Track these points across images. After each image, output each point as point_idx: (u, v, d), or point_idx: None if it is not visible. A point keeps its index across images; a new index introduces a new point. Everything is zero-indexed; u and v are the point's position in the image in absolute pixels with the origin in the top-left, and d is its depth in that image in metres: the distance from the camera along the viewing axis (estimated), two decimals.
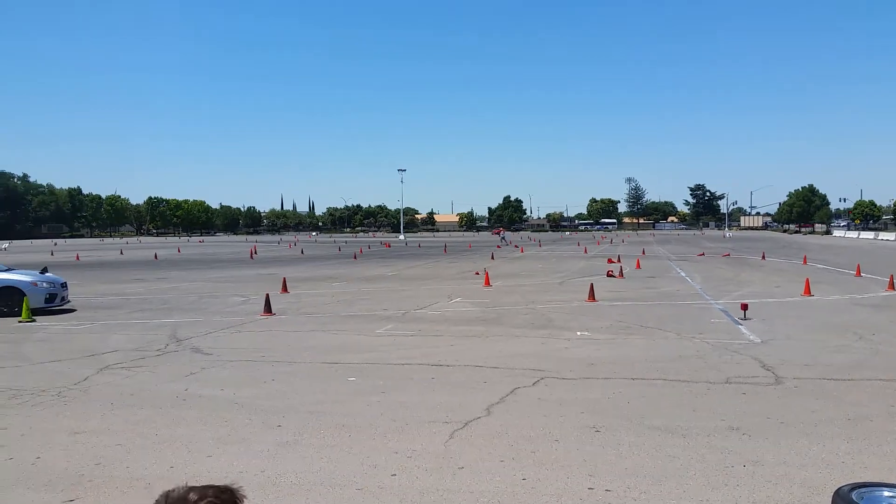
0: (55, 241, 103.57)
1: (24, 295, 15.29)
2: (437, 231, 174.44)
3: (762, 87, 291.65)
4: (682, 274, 26.61)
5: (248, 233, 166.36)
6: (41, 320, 14.74)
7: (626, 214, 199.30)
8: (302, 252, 52.87)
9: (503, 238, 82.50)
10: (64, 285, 16.81)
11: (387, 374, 9.12)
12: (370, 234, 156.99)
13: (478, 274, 26.79)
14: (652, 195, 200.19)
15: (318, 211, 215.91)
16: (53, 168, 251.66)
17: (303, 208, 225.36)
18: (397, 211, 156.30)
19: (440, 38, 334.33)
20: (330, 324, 13.96)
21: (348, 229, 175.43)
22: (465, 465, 5.52)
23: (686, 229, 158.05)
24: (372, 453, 5.87)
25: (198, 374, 9.21)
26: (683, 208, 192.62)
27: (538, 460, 5.64)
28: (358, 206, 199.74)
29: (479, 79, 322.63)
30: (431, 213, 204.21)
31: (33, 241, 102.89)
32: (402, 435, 6.37)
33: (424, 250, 55.17)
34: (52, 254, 51.17)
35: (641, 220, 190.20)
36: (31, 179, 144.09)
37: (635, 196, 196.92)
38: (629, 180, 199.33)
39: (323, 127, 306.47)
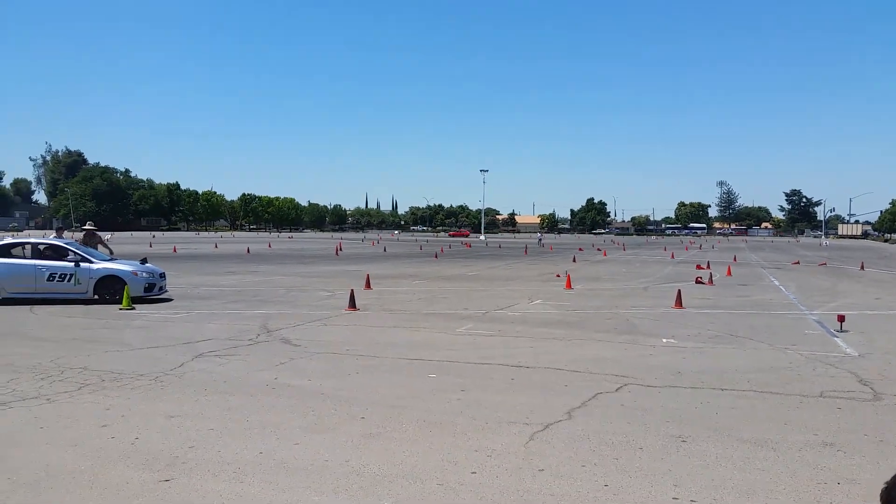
0: (154, 233, 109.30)
1: (126, 284, 16.24)
2: (518, 232, 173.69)
3: (866, 89, 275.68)
4: (776, 283, 25.49)
5: (334, 230, 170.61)
6: (140, 308, 15.62)
7: (717, 219, 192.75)
8: (384, 250, 53.78)
9: (540, 241, 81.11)
10: (162, 275, 17.73)
11: (467, 372, 9.19)
12: (450, 233, 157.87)
13: (559, 276, 26.51)
14: (745, 200, 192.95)
15: (401, 210, 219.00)
16: (153, 164, 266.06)
17: (386, 207, 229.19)
18: (478, 211, 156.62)
19: (526, 34, 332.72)
20: (411, 321, 14.16)
21: (430, 228, 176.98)
22: (545, 468, 5.50)
23: (780, 236, 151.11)
24: (452, 450, 5.94)
25: (286, 365, 9.56)
26: (778, 214, 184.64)
27: (621, 467, 5.56)
28: (439, 205, 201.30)
29: (565, 78, 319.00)
30: (512, 214, 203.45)
31: (133, 233, 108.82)
32: (482, 434, 6.41)
33: (505, 251, 55.06)
34: (150, 245, 54.04)
35: (733, 226, 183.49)
36: (133, 175, 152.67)
37: (727, 200, 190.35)
38: (721, 184, 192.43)
39: (408, 126, 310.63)
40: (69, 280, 16.32)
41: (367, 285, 20.77)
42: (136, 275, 16.74)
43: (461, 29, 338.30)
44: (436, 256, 43.88)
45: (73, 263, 16.43)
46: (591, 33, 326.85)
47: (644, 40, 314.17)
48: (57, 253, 16.87)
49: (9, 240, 17.67)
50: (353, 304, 15.78)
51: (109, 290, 16.34)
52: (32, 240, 17.74)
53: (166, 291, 17.92)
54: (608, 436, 6.37)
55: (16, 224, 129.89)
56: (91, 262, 16.67)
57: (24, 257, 16.86)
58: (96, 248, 19.63)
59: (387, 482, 5.19)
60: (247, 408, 7.28)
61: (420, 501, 4.84)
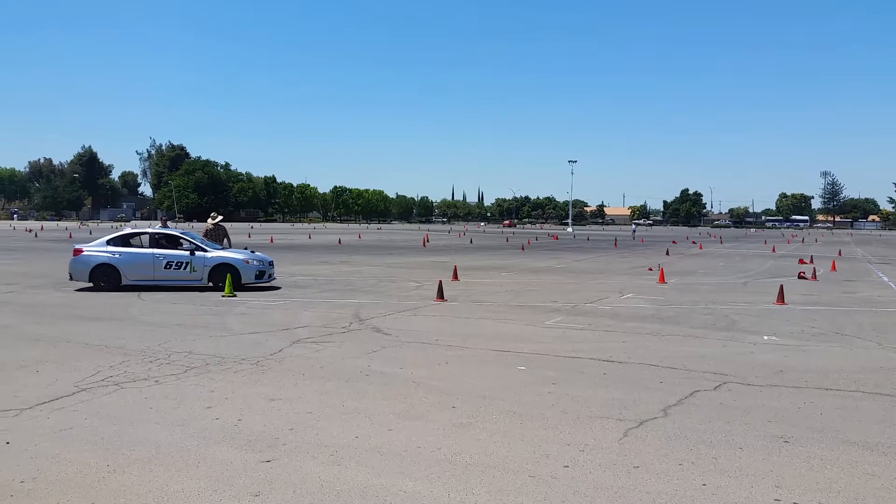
0: (251, 224, 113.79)
1: (238, 271, 17.13)
2: (607, 224, 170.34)
3: None
4: (885, 279, 23.91)
5: (421, 221, 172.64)
6: (241, 296, 16.31)
7: (820, 212, 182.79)
8: (471, 241, 53.93)
9: (634, 232, 78.66)
10: (271, 264, 18.48)
11: (556, 365, 9.09)
12: (538, 225, 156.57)
13: (651, 270, 25.83)
14: (851, 191, 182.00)
15: (487, 202, 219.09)
16: (251, 158, 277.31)
17: (472, 198, 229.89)
18: (565, 203, 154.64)
19: (618, 21, 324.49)
20: (499, 312, 14.15)
21: (516, 220, 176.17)
22: (640, 465, 5.38)
23: (889, 230, 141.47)
24: (543, 443, 5.90)
25: (378, 353, 9.75)
26: (887, 206, 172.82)
27: (720, 467, 5.36)
28: (526, 197, 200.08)
29: (657, 66, 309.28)
30: (601, 206, 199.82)
31: (232, 223, 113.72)
32: (574, 428, 6.33)
33: (593, 243, 54.11)
34: (249, 236, 56.22)
35: (837, 219, 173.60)
36: (233, 168, 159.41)
37: (831, 192, 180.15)
38: (825, 174, 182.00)
39: (495, 117, 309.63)
40: (185, 268, 17.19)
41: (455, 276, 20.89)
42: (248, 263, 17.48)
43: (551, 14, 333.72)
44: (522, 248, 43.64)
45: (188, 252, 17.30)
46: (685, 19, 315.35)
47: (741, 25, 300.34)
48: (172, 242, 17.86)
49: (128, 230, 18.77)
50: (441, 295, 15.92)
51: (223, 277, 17.15)
52: (149, 230, 18.80)
53: (274, 279, 18.63)
54: (706, 434, 6.16)
55: (123, 215, 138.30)
56: (205, 250, 17.48)
57: (142, 246, 17.89)
58: (221, 242, 20.46)
59: (478, 471, 5.21)
60: (342, 393, 7.48)
61: (513, 493, 4.83)
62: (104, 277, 16.98)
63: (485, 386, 7.91)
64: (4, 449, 5.61)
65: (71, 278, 17.37)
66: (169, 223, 21.35)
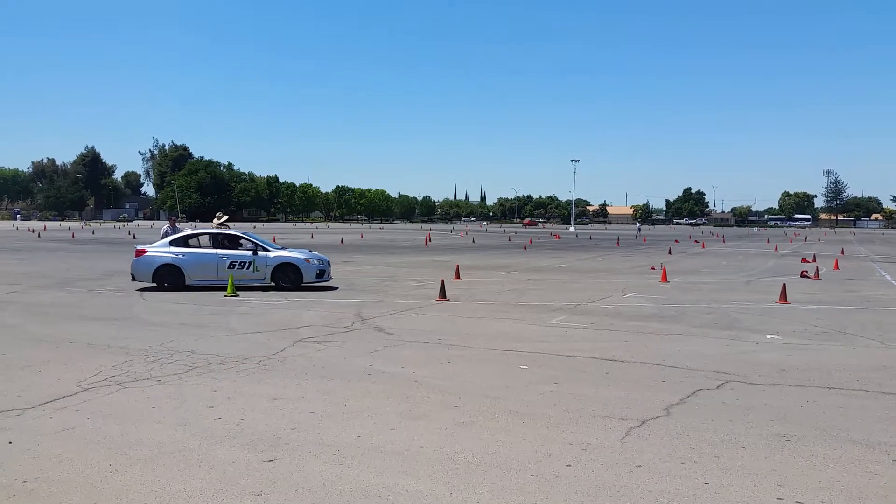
0: (254, 224, 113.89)
1: (300, 270, 17.32)
2: (609, 223, 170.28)
3: None
4: (888, 277, 23.88)
5: (423, 221, 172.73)
6: (244, 296, 16.32)
7: (823, 210, 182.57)
8: (473, 241, 53.93)
9: (639, 230, 78.82)
10: (328, 263, 18.58)
11: (558, 365, 9.09)
12: (540, 224, 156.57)
13: (653, 269, 25.81)
14: (854, 190, 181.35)
15: (490, 201, 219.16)
16: (254, 157, 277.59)
17: (474, 198, 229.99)
18: (568, 202, 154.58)
19: (618, 22, 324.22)
20: (501, 312, 14.14)
21: (518, 220, 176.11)
22: (642, 464, 5.37)
23: (892, 228, 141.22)
24: (546, 442, 5.89)
25: (381, 352, 9.76)
26: (890, 205, 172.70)
27: (722, 466, 5.36)
28: (528, 196, 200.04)
29: (659, 66, 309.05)
30: (604, 205, 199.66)
31: (235, 223, 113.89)
32: (576, 427, 6.33)
33: (595, 243, 54.06)
34: None
35: (840, 217, 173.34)
36: (235, 168, 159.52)
37: (834, 190, 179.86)
38: (828, 173, 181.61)
39: (497, 117, 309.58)
40: (248, 267, 17.36)
41: (457, 276, 20.89)
42: (309, 262, 17.69)
43: (552, 14, 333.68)
44: (525, 248, 43.62)
45: (250, 252, 17.49)
46: (688, 18, 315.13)
47: (744, 24, 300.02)
48: (234, 242, 18.05)
49: (188, 231, 18.81)
50: (443, 294, 15.92)
51: (285, 276, 17.35)
52: (211, 230, 18.93)
53: (331, 279, 18.63)
54: (709, 433, 6.16)
55: (126, 215, 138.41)
56: (267, 250, 17.70)
57: (200, 246, 17.93)
58: None
59: (481, 471, 5.21)
60: (344, 392, 7.48)
61: (515, 492, 4.83)
62: (168, 278, 17.13)
63: (487, 385, 7.91)
64: (7, 448, 5.62)
65: (133, 279, 17.44)
66: (178, 223, 21.34)
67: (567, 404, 7.10)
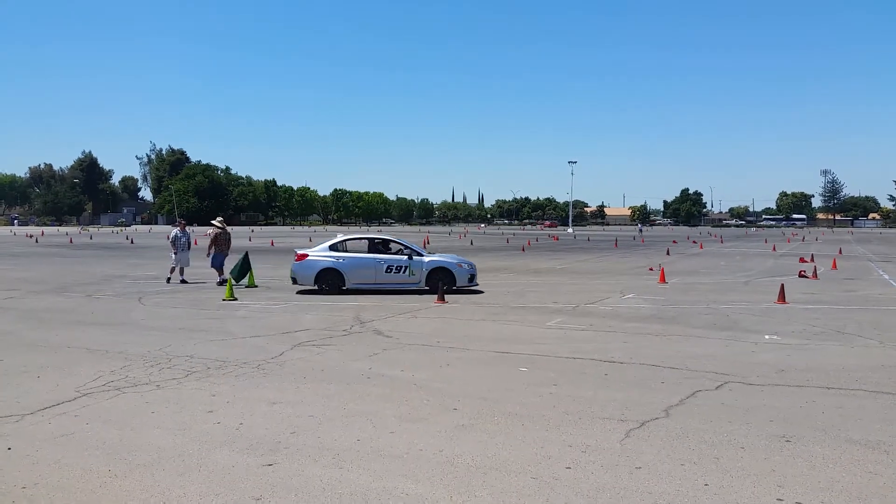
0: (252, 227, 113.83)
1: (453, 275, 17.63)
2: (608, 225, 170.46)
3: None
4: (886, 277, 23.90)
5: (421, 223, 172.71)
6: (242, 300, 16.31)
7: (821, 210, 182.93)
8: (471, 243, 53.92)
9: (641, 231, 79.07)
10: (475, 267, 18.71)
11: (558, 366, 9.09)
12: (538, 226, 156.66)
13: (652, 270, 25.82)
14: (851, 189, 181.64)
15: (487, 203, 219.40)
16: (251, 161, 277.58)
17: (472, 200, 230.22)
18: (566, 204, 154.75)
19: (613, 23, 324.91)
20: (500, 314, 14.14)
21: (516, 221, 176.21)
22: (642, 466, 5.37)
23: (890, 227, 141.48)
24: (545, 444, 5.89)
25: (380, 355, 9.75)
26: (887, 204, 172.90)
27: (722, 467, 5.36)
28: (526, 198, 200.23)
29: (655, 67, 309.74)
30: (601, 207, 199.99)
31: (233, 227, 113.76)
32: (576, 429, 6.33)
33: (594, 244, 54.09)
34: (249, 239, 56.35)
35: (838, 217, 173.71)
36: (233, 172, 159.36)
37: (832, 190, 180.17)
38: (825, 173, 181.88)
39: (494, 119, 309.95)
40: (404, 272, 17.69)
41: None
42: (461, 267, 17.98)
43: (549, 17, 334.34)
44: (523, 249, 43.62)
45: (406, 256, 17.83)
46: (684, 19, 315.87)
47: (740, 25, 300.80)
48: (386, 247, 18.35)
49: (340, 236, 18.99)
50: (442, 296, 15.93)
51: (446, 281, 17.54)
52: (368, 235, 19.28)
53: (478, 283, 18.76)
54: (708, 434, 6.16)
55: (123, 220, 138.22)
56: (422, 255, 18.07)
57: (350, 251, 18.13)
58: (229, 246, 20.53)
59: (481, 473, 5.21)
60: (344, 396, 7.48)
61: (515, 494, 4.82)
62: (328, 281, 17.46)
63: (486, 387, 7.90)
64: (6, 455, 5.61)
65: (294, 282, 17.78)
66: (187, 227, 21.39)
67: (566, 406, 7.10)
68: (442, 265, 17.82)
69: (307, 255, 17.64)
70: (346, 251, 18.00)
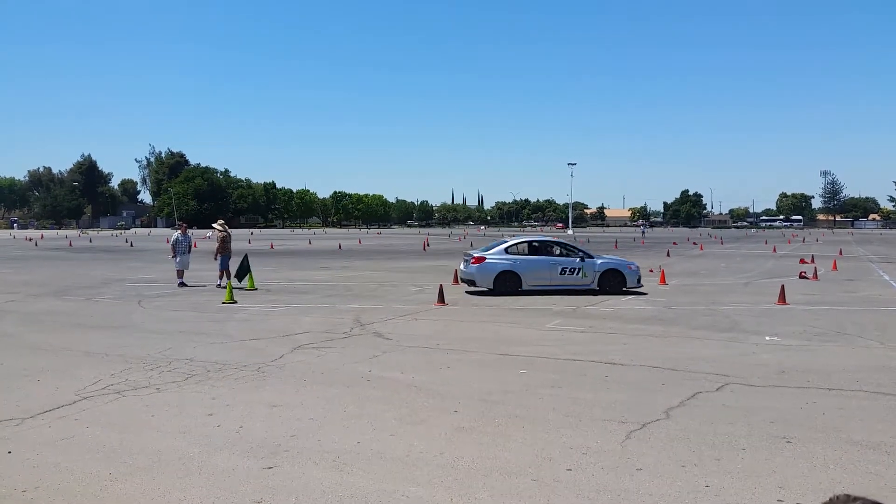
0: (251, 230, 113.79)
1: (624, 276, 18.06)
2: (607, 226, 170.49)
3: None
4: (886, 277, 23.90)
5: (421, 225, 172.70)
6: (242, 302, 16.30)
7: (821, 211, 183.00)
8: (471, 245, 53.87)
9: (643, 233, 79.30)
10: (639, 269, 19.04)
11: (558, 368, 9.08)
12: (538, 228, 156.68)
13: (652, 272, 25.77)
14: (851, 190, 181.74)
15: (487, 205, 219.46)
16: (251, 164, 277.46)
17: (472, 202, 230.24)
18: (566, 205, 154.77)
19: (615, 23, 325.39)
20: (500, 316, 14.13)
21: (516, 223, 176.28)
22: (643, 467, 5.37)
23: (890, 228, 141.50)
24: (546, 446, 5.88)
25: (380, 358, 9.74)
26: (888, 205, 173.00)
27: (723, 468, 5.35)
28: (526, 200, 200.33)
29: (655, 67, 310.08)
30: (601, 208, 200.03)
31: (232, 230, 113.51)
32: (577, 431, 6.32)
33: (593, 246, 54.03)
34: (249, 242, 56.29)
35: (838, 218, 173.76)
36: (232, 174, 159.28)
37: (831, 191, 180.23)
38: (825, 174, 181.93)
39: (494, 121, 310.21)
40: (577, 273, 18.06)
41: (456, 280, 20.84)
42: (630, 269, 18.42)
43: (549, 18, 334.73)
44: None
45: (579, 258, 18.25)
46: (683, 19, 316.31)
47: (739, 25, 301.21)
48: (559, 249, 18.77)
49: (513, 239, 19.39)
50: (441, 299, 15.92)
51: (611, 282, 18.01)
52: (540, 237, 19.79)
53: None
54: (709, 436, 6.15)
55: (123, 223, 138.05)
56: (593, 257, 18.49)
57: (520, 253, 18.45)
58: (229, 247, 20.54)
59: (481, 475, 5.20)
60: (344, 398, 7.47)
61: (516, 496, 4.82)
62: (506, 283, 17.78)
63: (486, 390, 7.90)
64: (6, 458, 5.60)
65: (474, 284, 18.05)
66: (188, 230, 21.35)
67: (567, 408, 7.09)
68: (614, 267, 18.33)
69: (485, 259, 17.97)
70: (519, 254, 18.38)
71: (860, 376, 8.56)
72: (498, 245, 18.69)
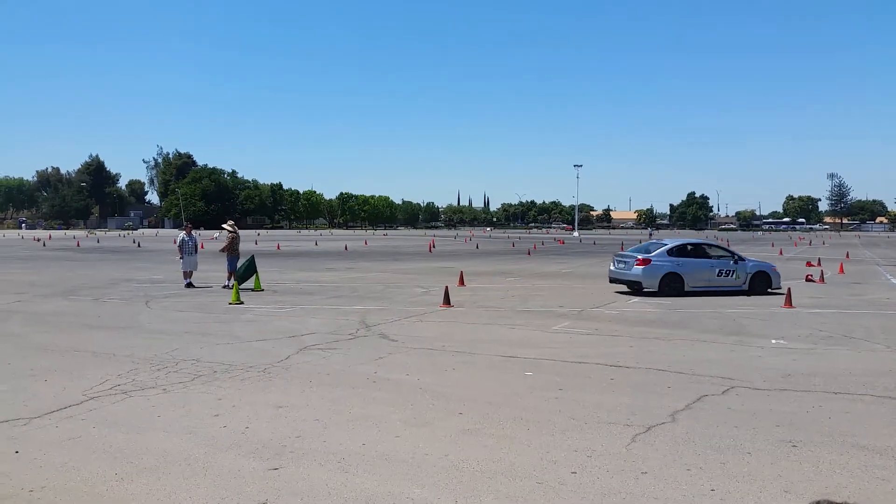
0: (258, 231, 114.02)
1: (770, 278, 18.95)
2: (613, 228, 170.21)
3: None
4: (893, 281, 23.82)
5: (427, 227, 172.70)
6: (248, 303, 16.34)
7: (828, 214, 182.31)
8: (477, 247, 53.89)
9: (651, 235, 79.20)
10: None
11: (563, 371, 9.08)
12: (543, 230, 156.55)
13: None
14: (858, 193, 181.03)
15: (493, 207, 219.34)
16: (258, 165, 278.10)
17: (478, 204, 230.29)
18: (572, 207, 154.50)
19: (621, 25, 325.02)
20: (506, 318, 14.13)
21: (521, 225, 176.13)
22: (648, 471, 5.36)
23: None
24: (551, 449, 5.88)
25: (385, 359, 9.76)
26: (895, 208, 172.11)
27: (728, 472, 5.34)
28: (532, 202, 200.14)
29: (661, 70, 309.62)
30: (608, 210, 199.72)
31: (239, 231, 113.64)
32: (582, 434, 6.32)
33: (600, 248, 54.00)
34: (256, 243, 56.37)
35: (845, 220, 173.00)
36: (239, 175, 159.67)
37: (838, 194, 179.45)
38: (832, 176, 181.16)
39: (500, 122, 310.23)
40: (731, 275, 18.73)
41: (461, 282, 20.88)
42: (775, 271, 19.37)
43: (556, 19, 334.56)
44: (529, 253, 43.56)
45: (733, 261, 18.98)
46: (689, 22, 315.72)
47: (746, 27, 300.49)
48: (711, 252, 19.58)
49: (673, 242, 19.92)
50: (447, 300, 15.92)
51: (759, 283, 18.80)
52: (695, 240, 20.51)
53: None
54: (714, 439, 6.14)
55: (130, 223, 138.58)
56: (744, 260, 19.25)
57: (680, 255, 18.85)
58: (237, 248, 20.65)
59: (486, 478, 5.21)
60: (349, 400, 7.48)
61: (520, 499, 4.82)
62: (671, 284, 18.24)
63: (492, 392, 7.90)
64: (14, 458, 5.64)
65: (641, 286, 18.34)
66: (194, 232, 21.44)
67: (572, 411, 7.09)
68: (762, 269, 19.11)
69: (651, 261, 18.34)
70: (679, 256, 18.77)
71: (867, 380, 8.53)
72: (658, 247, 19.19)
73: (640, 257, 18.55)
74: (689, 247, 19.38)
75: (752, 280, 18.69)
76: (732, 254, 19.38)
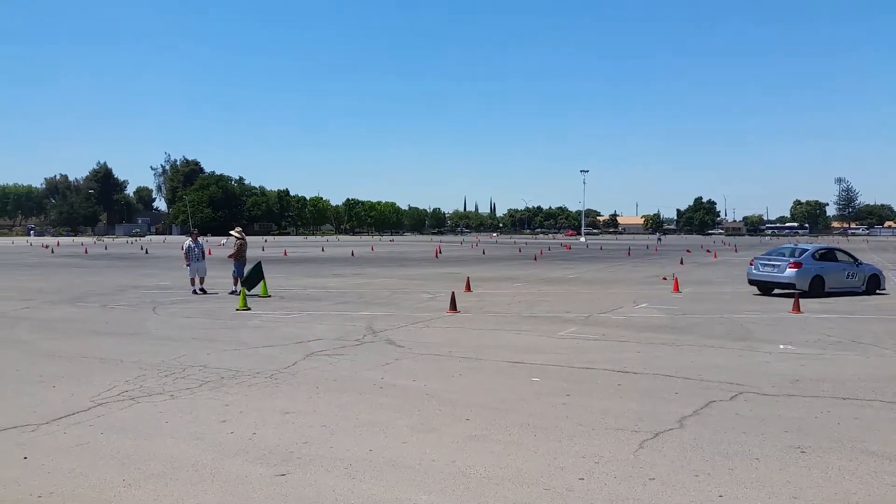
0: (265, 237, 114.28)
1: (880, 280, 20.69)
2: (620, 233, 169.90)
3: None
4: None
5: (433, 233, 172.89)
6: (256, 309, 16.37)
7: (836, 218, 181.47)
8: (483, 252, 53.87)
9: (659, 240, 78.99)
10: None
11: (570, 377, 9.05)
12: (550, 235, 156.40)
13: (665, 279, 25.69)
14: (866, 197, 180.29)
15: (499, 212, 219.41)
16: (265, 171, 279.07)
17: (484, 209, 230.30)
18: (578, 213, 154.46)
19: (627, 31, 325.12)
20: (512, 324, 14.11)
21: (528, 231, 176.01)
22: (655, 477, 5.34)
23: None
24: (558, 455, 5.87)
25: (392, 365, 9.76)
26: None
27: (736, 478, 5.31)
28: (538, 207, 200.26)
29: (667, 74, 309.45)
30: (614, 215, 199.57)
31: (246, 237, 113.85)
32: (589, 440, 6.30)
33: (606, 253, 53.90)
34: (263, 249, 56.51)
35: (853, 225, 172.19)
36: (246, 182, 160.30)
37: (846, 198, 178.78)
38: (839, 181, 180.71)
39: (507, 127, 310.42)
40: (855, 277, 20.26)
41: (468, 288, 20.87)
42: (884, 274, 21.14)
43: (560, 24, 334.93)
44: (535, 259, 43.53)
45: (855, 265, 20.42)
46: (693, 27, 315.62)
47: (751, 31, 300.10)
48: (838, 255, 20.55)
49: (813, 246, 21.12)
50: (454, 306, 15.91)
51: (873, 285, 20.43)
52: (825, 245, 21.75)
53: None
54: (722, 445, 6.11)
55: (138, 230, 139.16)
56: (862, 264, 20.82)
57: (819, 259, 20.06)
58: (245, 254, 20.73)
59: (493, 484, 5.19)
60: (356, 406, 7.48)
61: None
62: (818, 286, 19.47)
63: (499, 398, 7.89)
64: (22, 464, 5.66)
65: (795, 287, 19.03)
66: (200, 238, 21.52)
67: (579, 417, 7.07)
68: (875, 272, 20.75)
69: (802, 264, 19.41)
70: (819, 260, 19.99)
71: (876, 385, 8.48)
72: (802, 252, 20.22)
73: (792, 261, 19.65)
74: (826, 251, 20.54)
75: (868, 282, 20.20)
76: (854, 258, 20.69)
